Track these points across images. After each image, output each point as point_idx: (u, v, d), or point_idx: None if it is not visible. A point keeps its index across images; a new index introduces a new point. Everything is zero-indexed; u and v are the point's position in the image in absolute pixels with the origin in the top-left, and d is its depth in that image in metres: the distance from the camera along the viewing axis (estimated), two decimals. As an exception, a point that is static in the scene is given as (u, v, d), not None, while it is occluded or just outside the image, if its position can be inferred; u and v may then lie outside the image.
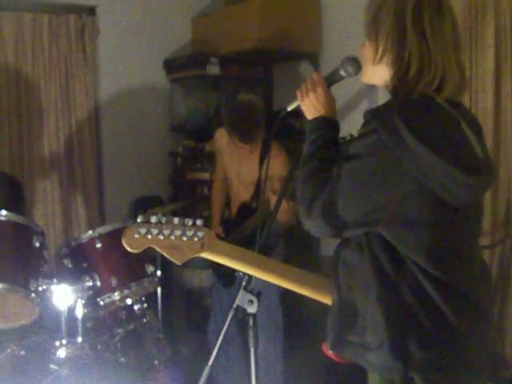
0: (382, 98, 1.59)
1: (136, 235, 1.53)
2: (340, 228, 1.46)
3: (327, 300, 1.61)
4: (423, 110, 1.41)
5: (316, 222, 1.47)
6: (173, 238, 1.53)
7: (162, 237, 1.53)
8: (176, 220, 1.54)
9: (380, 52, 1.48)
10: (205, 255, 1.58)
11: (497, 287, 3.17)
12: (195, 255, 1.56)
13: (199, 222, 1.55)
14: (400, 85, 1.47)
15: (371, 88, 3.54)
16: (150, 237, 1.53)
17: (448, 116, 1.44)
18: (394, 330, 1.43)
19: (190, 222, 1.54)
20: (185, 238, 1.53)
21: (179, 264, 1.57)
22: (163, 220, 1.54)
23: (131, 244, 1.55)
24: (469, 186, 1.39)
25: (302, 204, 1.50)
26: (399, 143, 1.35)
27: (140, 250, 1.56)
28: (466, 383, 1.50)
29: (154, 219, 1.53)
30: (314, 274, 1.66)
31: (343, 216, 1.44)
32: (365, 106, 3.70)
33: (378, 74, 1.53)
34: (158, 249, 1.55)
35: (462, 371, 1.47)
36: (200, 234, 1.54)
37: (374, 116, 1.40)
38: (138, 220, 1.54)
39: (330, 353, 1.59)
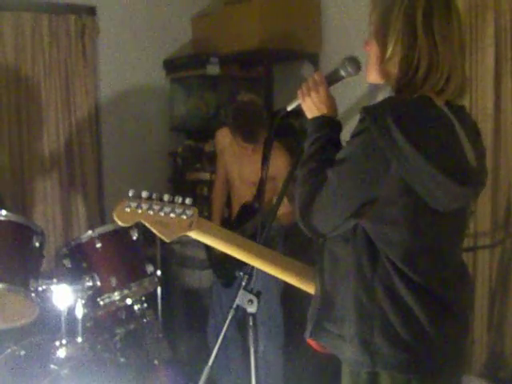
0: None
1: (127, 209, 1.55)
2: (333, 228, 1.49)
3: (310, 289, 1.63)
4: (418, 112, 1.42)
5: (310, 223, 1.50)
6: (162, 214, 1.55)
7: (151, 212, 1.55)
8: (166, 197, 1.57)
9: (389, 52, 1.48)
10: (193, 234, 1.59)
11: (497, 287, 3.17)
12: (183, 233, 1.57)
13: (188, 200, 1.57)
14: (406, 84, 1.47)
15: (373, 91, 3.54)
16: (139, 211, 1.55)
17: (443, 119, 1.45)
18: (362, 323, 1.46)
19: (180, 200, 1.56)
20: (173, 215, 1.55)
21: (167, 241, 1.58)
22: (153, 196, 1.56)
23: (121, 217, 1.56)
24: (454, 194, 1.41)
25: (299, 205, 1.52)
26: (390, 144, 1.36)
27: (130, 224, 1.58)
28: (430, 382, 1.51)
29: (144, 194, 1.56)
30: (300, 263, 1.67)
31: (336, 216, 1.47)
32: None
33: (384, 74, 1.53)
34: (147, 224, 1.56)
35: (429, 371, 1.49)
36: (189, 212, 1.55)
37: (368, 114, 1.41)
38: (129, 194, 1.57)
39: (311, 341, 1.61)
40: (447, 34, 1.45)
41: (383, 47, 1.49)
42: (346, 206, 1.45)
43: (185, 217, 1.55)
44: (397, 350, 1.45)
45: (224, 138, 3.23)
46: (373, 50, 1.54)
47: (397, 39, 1.46)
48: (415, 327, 1.45)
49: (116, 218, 1.57)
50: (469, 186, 1.42)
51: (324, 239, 1.59)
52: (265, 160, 2.94)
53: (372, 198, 1.42)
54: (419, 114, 1.41)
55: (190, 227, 1.56)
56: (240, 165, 3.20)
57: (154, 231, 1.57)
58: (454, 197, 1.42)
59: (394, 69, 1.49)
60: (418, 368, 1.47)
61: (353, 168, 1.44)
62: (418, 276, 1.44)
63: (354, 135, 1.44)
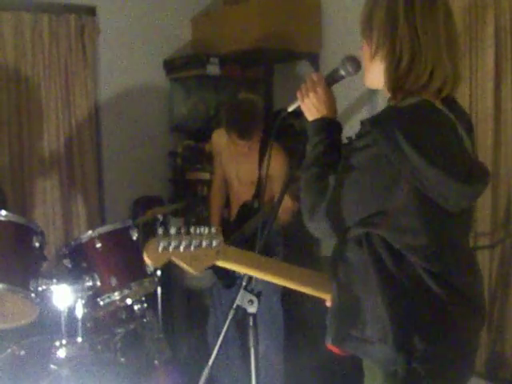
0: (383, 100, 1.59)
1: (159, 249, 1.50)
2: (341, 231, 1.51)
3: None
4: (422, 119, 1.43)
5: (318, 226, 1.51)
6: (192, 248, 1.52)
7: (181, 248, 1.51)
8: (193, 229, 1.53)
9: (374, 46, 1.50)
10: (220, 263, 1.58)
11: (497, 287, 3.17)
12: (212, 263, 1.56)
13: (214, 229, 1.54)
14: (392, 79, 1.48)
15: (372, 92, 3.54)
16: (170, 249, 1.51)
17: (446, 123, 1.46)
18: (397, 322, 1.45)
19: (207, 231, 1.54)
20: (202, 247, 1.53)
21: (196, 273, 1.56)
22: (181, 230, 1.52)
23: (153, 258, 1.51)
24: (466, 194, 1.44)
25: (305, 209, 1.53)
26: (399, 155, 1.37)
27: (161, 264, 1.54)
28: (463, 374, 1.55)
29: (173, 230, 1.51)
30: (324, 274, 1.66)
31: (345, 221, 1.48)
32: (365, 109, 3.70)
33: (375, 72, 1.54)
34: (177, 261, 1.53)
35: (461, 362, 1.51)
36: (215, 242, 1.54)
37: (374, 126, 1.41)
38: (159, 232, 1.51)
39: (332, 347, 1.60)
40: (430, 25, 1.45)
41: (370, 42, 1.51)
42: (352, 213, 1.47)
43: (212, 247, 1.54)
44: (431, 344, 1.45)
45: (221, 138, 3.23)
46: (364, 50, 1.56)
47: (379, 33, 1.48)
48: (446, 319, 1.47)
49: (147, 259, 1.51)
50: (476, 184, 1.45)
51: (335, 248, 1.59)
52: (262, 159, 2.95)
53: (383, 208, 1.43)
54: (424, 122, 1.42)
55: (217, 256, 1.55)
56: (237, 165, 3.20)
57: (185, 267, 1.54)
58: (465, 197, 1.45)
59: (380, 64, 1.51)
60: (452, 359, 1.49)
61: (360, 179, 1.44)
62: (441, 271, 1.46)
63: (362, 146, 1.43)
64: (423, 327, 1.45)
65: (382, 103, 1.59)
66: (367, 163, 1.43)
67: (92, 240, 2.71)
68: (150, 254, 1.50)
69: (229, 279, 3.13)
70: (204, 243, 1.52)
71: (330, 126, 1.59)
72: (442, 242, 1.48)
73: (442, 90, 1.49)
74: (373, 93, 3.53)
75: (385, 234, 1.46)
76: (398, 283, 1.46)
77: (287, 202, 2.54)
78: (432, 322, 1.46)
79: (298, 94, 1.63)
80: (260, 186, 3.10)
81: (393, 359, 1.46)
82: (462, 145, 1.48)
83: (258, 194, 3.12)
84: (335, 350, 1.61)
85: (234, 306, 1.64)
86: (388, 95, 1.55)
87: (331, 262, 1.60)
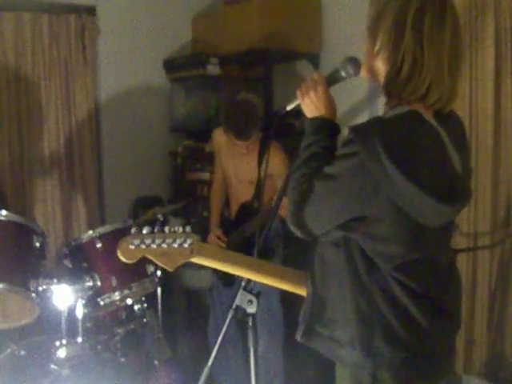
0: (383, 102, 1.59)
1: (131, 246, 1.61)
2: (319, 234, 1.52)
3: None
4: (405, 133, 1.41)
5: (299, 226, 1.52)
6: (165, 246, 1.62)
7: (154, 246, 1.62)
8: (166, 229, 1.63)
9: (377, 46, 1.49)
10: (195, 260, 1.66)
11: (497, 287, 3.17)
12: (186, 260, 1.64)
13: (188, 228, 1.64)
14: (391, 84, 1.48)
15: (373, 94, 3.55)
16: (143, 246, 1.62)
17: (432, 135, 1.44)
18: (362, 328, 1.48)
19: (180, 230, 1.63)
20: (175, 245, 1.62)
21: (171, 270, 1.65)
22: (155, 229, 1.63)
23: (126, 255, 1.63)
24: (443, 213, 1.42)
25: (289, 207, 1.54)
26: (379, 168, 1.36)
27: (135, 260, 1.64)
28: (432, 380, 1.56)
29: (146, 229, 1.62)
30: (304, 272, 1.69)
31: (318, 228, 1.51)
32: (365, 111, 3.70)
33: (373, 70, 1.54)
34: (151, 257, 1.63)
35: (428, 369, 1.52)
36: (189, 240, 1.63)
37: (356, 136, 1.40)
38: (132, 232, 1.63)
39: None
40: (436, 40, 1.44)
41: (374, 42, 1.51)
42: (331, 218, 1.48)
43: (186, 245, 1.63)
44: (397, 351, 1.48)
45: (220, 137, 3.23)
46: (366, 45, 1.55)
47: (385, 35, 1.47)
48: (413, 327, 1.48)
49: (121, 256, 1.63)
50: (456, 203, 1.44)
51: (315, 244, 1.61)
52: (261, 159, 2.95)
53: (360, 215, 1.44)
54: (408, 135, 1.40)
55: (191, 253, 1.63)
56: (236, 164, 3.20)
57: (158, 262, 1.64)
58: (443, 215, 1.44)
59: (382, 66, 1.50)
60: (419, 366, 1.51)
61: (340, 187, 1.44)
62: (411, 282, 1.47)
63: (343, 155, 1.44)
64: (390, 335, 1.47)
65: (382, 106, 1.58)
66: (346, 171, 1.43)
67: (92, 240, 2.71)
68: (123, 250, 1.62)
69: (227, 278, 3.13)
70: (177, 241, 1.62)
71: (328, 126, 1.59)
72: (413, 254, 1.48)
73: (437, 104, 1.48)
74: (373, 95, 3.54)
75: (359, 240, 1.47)
76: (368, 291, 1.48)
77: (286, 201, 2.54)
78: (399, 330, 1.47)
79: (298, 93, 1.63)
80: (259, 185, 3.10)
81: (360, 364, 1.49)
82: (447, 161, 1.46)
83: (257, 194, 3.11)
84: None
85: (234, 306, 1.65)
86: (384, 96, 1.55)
87: (309, 259, 1.63)
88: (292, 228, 1.54)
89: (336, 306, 1.54)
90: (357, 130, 1.42)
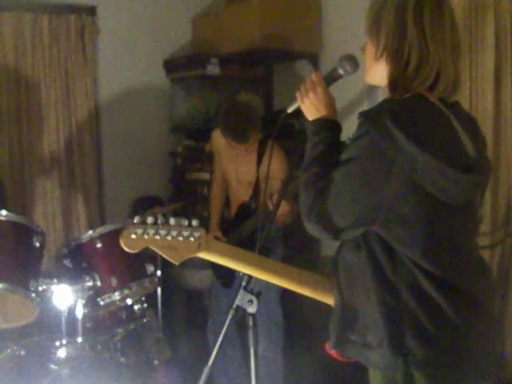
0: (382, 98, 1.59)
1: (133, 235, 1.55)
2: (337, 231, 1.49)
3: (325, 299, 1.62)
4: (414, 109, 1.44)
5: (315, 227, 1.50)
6: (169, 238, 1.55)
7: (158, 237, 1.55)
8: (172, 220, 1.56)
9: (381, 47, 1.50)
10: (202, 255, 1.59)
11: (497, 287, 3.17)
12: (192, 255, 1.58)
13: (195, 222, 1.57)
14: (398, 81, 1.49)
15: (371, 91, 3.54)
16: (146, 237, 1.55)
17: (439, 114, 1.47)
18: (392, 327, 1.45)
19: (186, 223, 1.56)
20: (181, 239, 1.55)
21: (176, 264, 1.58)
22: (159, 221, 1.55)
23: (128, 244, 1.56)
24: (461, 183, 1.41)
25: (303, 209, 1.53)
26: (391, 144, 1.37)
27: (137, 250, 1.58)
28: (467, 379, 1.51)
29: (150, 220, 1.55)
30: (312, 273, 1.67)
31: (341, 220, 1.47)
32: (364, 107, 3.69)
33: (379, 72, 1.54)
34: (155, 249, 1.56)
35: (462, 367, 1.48)
36: (196, 234, 1.56)
37: (366, 117, 1.43)
38: (135, 221, 1.56)
39: (333, 352, 1.60)
40: (438, 30, 1.47)
41: (377, 43, 1.52)
42: (352, 208, 1.45)
43: (192, 239, 1.55)
44: (429, 349, 1.44)
45: (219, 138, 3.22)
46: (368, 49, 1.56)
47: (388, 33, 1.49)
48: (445, 323, 1.44)
49: (123, 245, 1.57)
50: (473, 173, 1.43)
51: (337, 251, 1.59)
52: (260, 160, 2.94)
53: (378, 202, 1.42)
54: (415, 112, 1.43)
55: (198, 248, 1.57)
56: (236, 165, 3.20)
57: (163, 255, 1.57)
58: (461, 186, 1.42)
59: (386, 65, 1.51)
60: (452, 364, 1.46)
61: (357, 169, 1.44)
62: (440, 271, 1.44)
63: (355, 139, 1.45)
64: (420, 332, 1.44)
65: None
66: (360, 153, 1.43)
67: (92, 240, 2.71)
68: (124, 239, 1.56)
69: (226, 278, 3.13)
70: (183, 234, 1.55)
71: (329, 126, 1.59)
72: (439, 237, 1.46)
73: (444, 91, 1.50)
74: (372, 91, 3.53)
75: (380, 230, 1.45)
76: (394, 288, 1.45)
77: (284, 206, 2.53)
78: (429, 327, 1.43)
79: (298, 95, 1.64)
80: (257, 186, 3.10)
81: (391, 364, 1.45)
82: (457, 137, 1.46)
83: (254, 195, 3.12)
84: (336, 355, 1.61)
85: (234, 306, 1.64)
86: (388, 93, 1.55)
87: (333, 265, 1.60)
88: (311, 227, 1.51)
89: (365, 312, 1.50)
90: (365, 112, 1.44)
